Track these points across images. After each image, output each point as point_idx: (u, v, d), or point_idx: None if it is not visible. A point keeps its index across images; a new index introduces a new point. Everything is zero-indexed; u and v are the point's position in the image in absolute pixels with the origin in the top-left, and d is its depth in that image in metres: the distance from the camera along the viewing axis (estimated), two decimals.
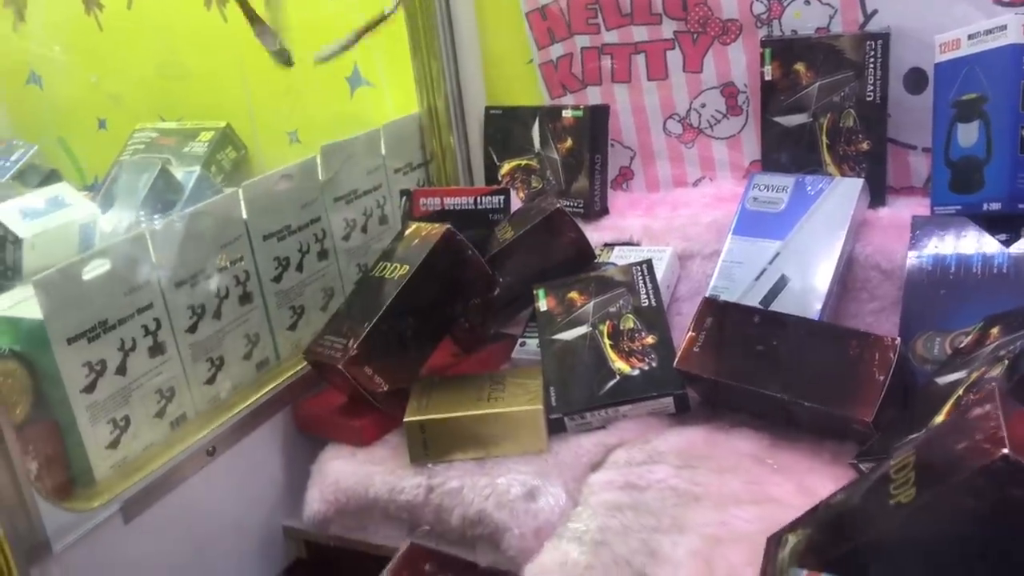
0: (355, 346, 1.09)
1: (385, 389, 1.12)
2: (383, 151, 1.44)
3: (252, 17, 1.27)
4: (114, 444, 1.02)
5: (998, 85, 1.05)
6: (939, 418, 0.85)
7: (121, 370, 1.02)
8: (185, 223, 1.12)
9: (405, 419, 1.08)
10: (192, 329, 1.12)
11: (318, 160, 1.30)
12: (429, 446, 1.08)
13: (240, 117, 1.77)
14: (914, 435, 0.85)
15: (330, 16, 1.59)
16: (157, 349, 1.07)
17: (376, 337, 1.11)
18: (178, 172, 1.57)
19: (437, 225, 1.18)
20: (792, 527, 0.80)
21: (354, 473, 1.11)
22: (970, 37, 1.08)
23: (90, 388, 0.99)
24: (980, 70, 1.07)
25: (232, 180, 1.72)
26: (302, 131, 1.72)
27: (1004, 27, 1.04)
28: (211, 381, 1.15)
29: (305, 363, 1.19)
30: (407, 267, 1.15)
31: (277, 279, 1.25)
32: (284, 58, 1.50)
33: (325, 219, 1.32)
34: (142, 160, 1.60)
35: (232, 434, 1.14)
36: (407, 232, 1.22)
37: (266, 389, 1.20)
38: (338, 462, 1.13)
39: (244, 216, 1.20)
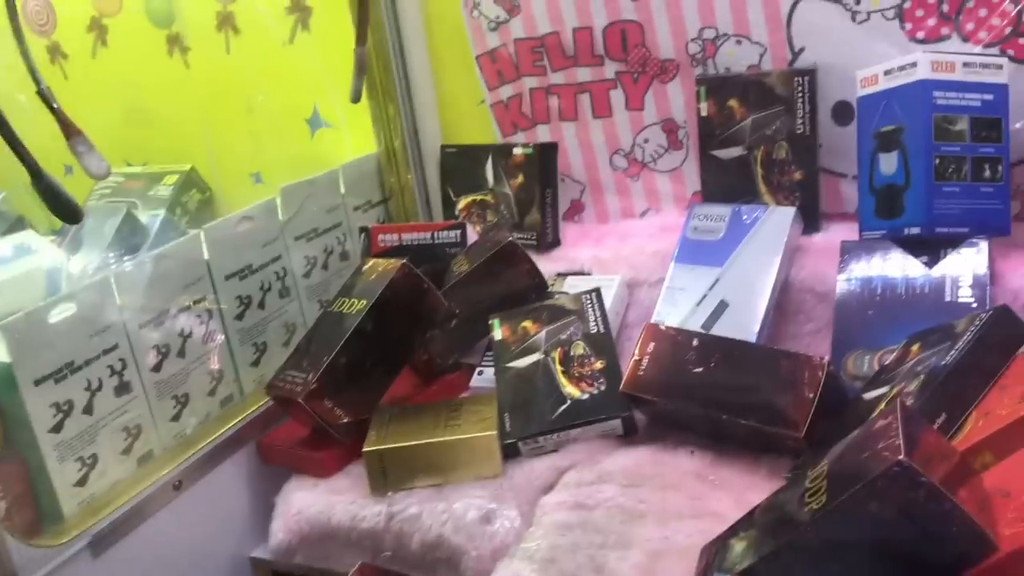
0: (314, 380, 1.13)
1: (345, 421, 1.17)
2: (342, 190, 1.50)
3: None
4: (82, 482, 1.06)
5: (913, 117, 1.12)
6: None
7: (88, 410, 1.06)
8: (149, 265, 1.17)
9: (364, 449, 1.12)
10: (157, 368, 1.16)
11: (278, 201, 1.35)
12: (388, 475, 1.13)
13: (204, 160, 1.82)
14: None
15: (289, 63, 1.64)
16: (123, 388, 1.11)
17: (335, 370, 1.15)
18: (144, 215, 1.61)
19: (393, 260, 1.23)
20: (731, 533, 0.85)
21: (317, 503, 1.15)
22: (886, 73, 1.15)
23: (57, 428, 1.02)
24: (896, 103, 1.14)
25: (198, 221, 1.76)
26: (265, 172, 1.78)
27: (915, 64, 1.11)
28: (176, 418, 1.19)
29: (268, 398, 1.23)
30: (365, 302, 1.19)
31: (240, 317, 1.29)
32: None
33: (286, 257, 1.37)
34: (108, 205, 1.64)
35: (198, 469, 1.18)
36: (365, 268, 1.27)
37: (231, 424, 1.24)
38: (301, 493, 1.17)
39: (206, 257, 1.24)
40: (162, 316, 1.17)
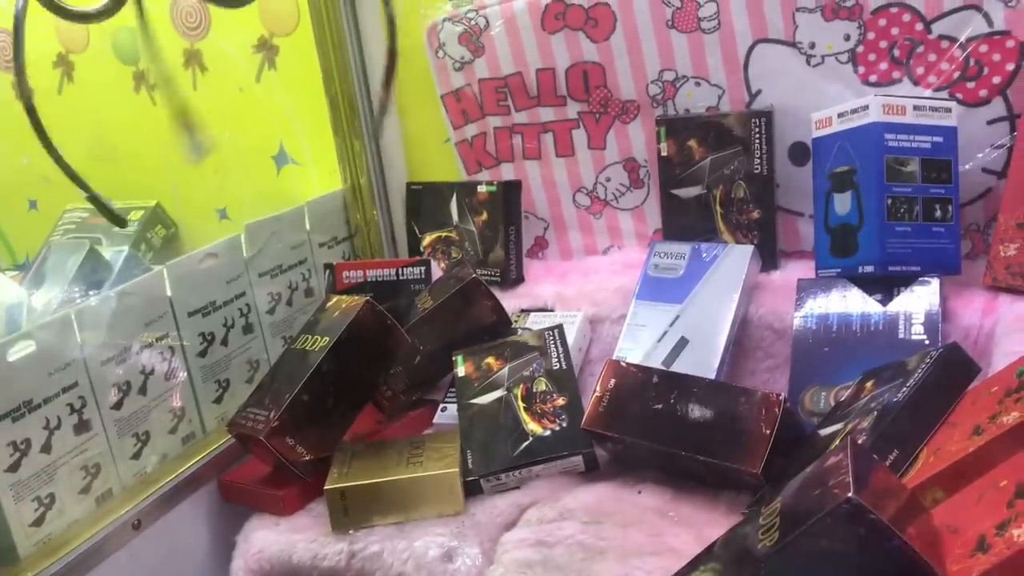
0: (276, 417, 1.13)
1: (308, 458, 1.17)
2: (308, 226, 1.50)
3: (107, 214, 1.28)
4: (38, 522, 1.04)
5: (865, 159, 1.15)
6: None
7: (46, 448, 1.05)
8: (111, 302, 1.16)
9: (326, 487, 1.12)
10: (118, 406, 1.15)
11: (242, 237, 1.36)
12: (350, 512, 1.12)
13: (170, 196, 1.82)
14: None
15: (256, 100, 1.65)
16: (83, 426, 1.10)
17: (297, 408, 1.15)
18: (108, 251, 1.61)
19: (357, 297, 1.24)
20: (691, 568, 0.86)
21: (277, 542, 1.14)
22: (840, 115, 1.18)
23: (14, 467, 1.01)
24: (849, 145, 1.17)
25: (163, 257, 1.76)
26: (231, 208, 1.78)
27: (867, 107, 1.14)
28: (137, 456, 1.18)
29: (230, 435, 1.23)
30: (327, 339, 1.20)
31: (202, 354, 1.29)
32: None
33: (250, 294, 1.37)
34: (71, 241, 1.63)
35: (158, 508, 1.16)
36: (328, 305, 1.27)
37: (192, 462, 1.23)
38: (262, 532, 1.16)
39: (169, 294, 1.24)
40: (124, 353, 1.17)
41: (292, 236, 1.46)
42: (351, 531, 1.12)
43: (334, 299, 1.27)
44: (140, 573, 1.14)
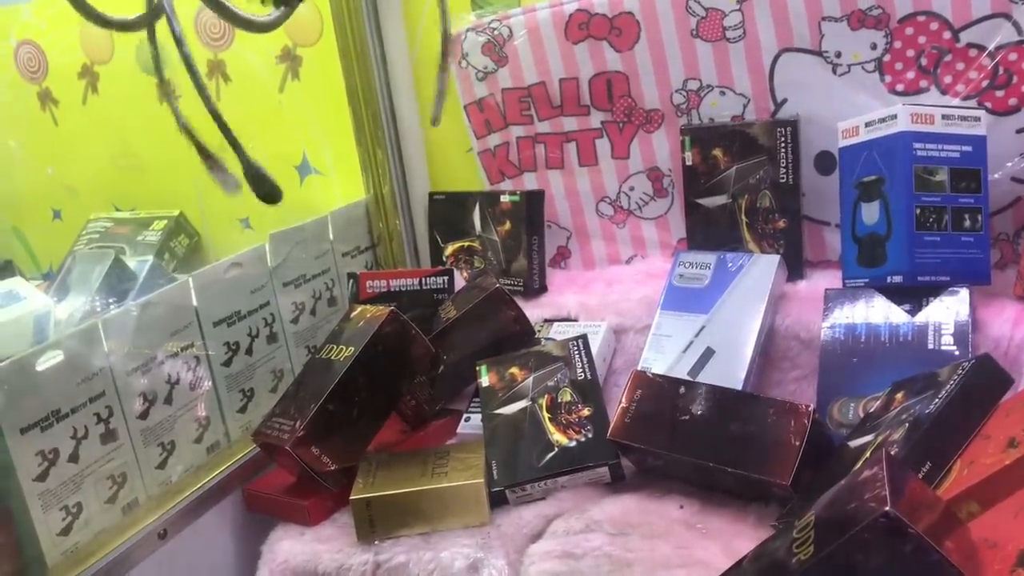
0: (302, 427, 1.13)
1: (332, 468, 1.16)
2: (331, 236, 1.50)
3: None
4: (66, 531, 1.05)
5: (893, 168, 1.14)
6: None
7: (74, 458, 1.06)
8: (137, 312, 1.17)
9: (351, 497, 1.12)
10: (144, 415, 1.16)
11: (267, 247, 1.36)
12: (375, 523, 1.12)
13: (193, 205, 1.83)
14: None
15: (279, 111, 1.66)
16: (109, 436, 1.11)
17: (322, 418, 1.15)
18: (132, 261, 1.61)
19: (381, 307, 1.24)
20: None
21: (302, 552, 1.14)
22: (867, 125, 1.17)
23: (42, 477, 1.02)
24: (877, 154, 1.16)
25: (186, 266, 1.77)
26: (253, 218, 1.78)
27: (895, 116, 1.13)
28: (162, 465, 1.19)
29: (254, 445, 1.23)
30: (352, 349, 1.20)
31: (227, 363, 1.29)
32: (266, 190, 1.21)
33: (274, 303, 1.37)
34: (96, 251, 1.64)
35: (183, 517, 1.17)
36: (353, 315, 1.27)
37: (217, 472, 1.23)
38: (287, 542, 1.16)
39: (195, 303, 1.24)
40: (149, 363, 1.17)
41: (316, 246, 1.46)
42: (376, 541, 1.12)
43: (358, 309, 1.27)
44: None
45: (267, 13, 1.26)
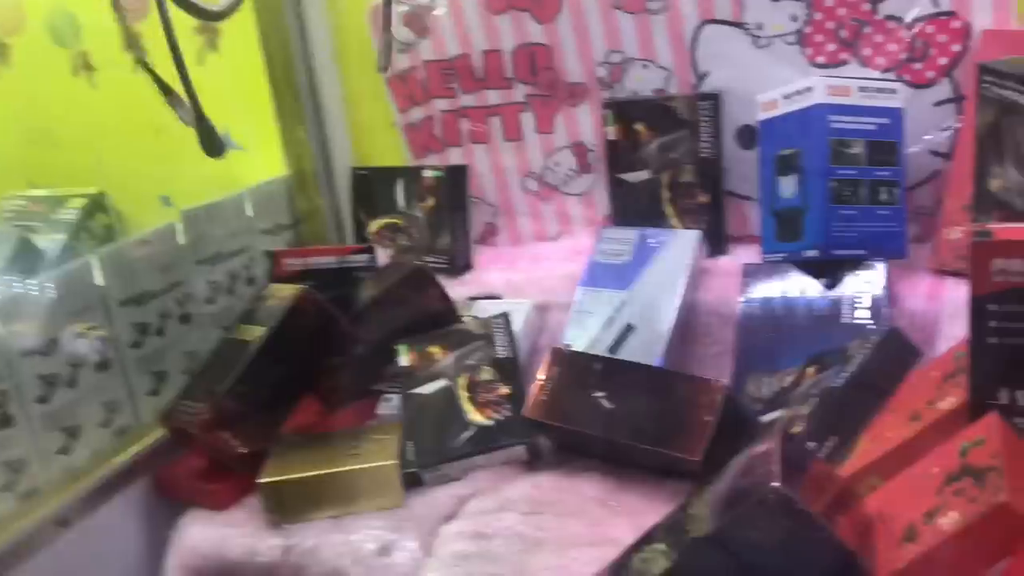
0: (210, 410, 1.10)
1: (243, 451, 1.13)
2: (249, 213, 1.46)
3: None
4: None
5: (810, 141, 1.13)
6: None
7: None
8: (37, 292, 1.12)
9: (260, 481, 1.09)
10: (44, 399, 1.11)
11: (177, 224, 1.32)
12: (286, 506, 1.09)
13: (112, 183, 1.77)
14: None
15: (198, 84, 1.60)
16: (5, 421, 1.06)
17: (232, 400, 1.12)
18: (45, 240, 1.56)
19: (294, 287, 1.21)
20: (634, 551, 0.83)
21: (212, 538, 1.11)
22: (785, 97, 1.16)
23: None
24: (795, 127, 1.15)
25: (106, 246, 1.72)
26: (175, 195, 1.73)
27: (811, 88, 1.12)
28: (65, 451, 1.14)
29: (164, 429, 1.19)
30: (264, 329, 1.16)
31: (137, 345, 1.25)
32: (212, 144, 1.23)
33: (188, 283, 1.33)
34: (4, 230, 1.58)
35: (87, 504, 1.12)
36: (266, 293, 1.24)
37: (125, 456, 1.19)
38: (196, 527, 1.13)
39: (100, 283, 1.20)
40: (51, 345, 1.13)
41: (233, 223, 1.42)
42: (286, 525, 1.09)
43: (272, 288, 1.24)
44: (67, 573, 1.10)
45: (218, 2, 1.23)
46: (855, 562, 0.65)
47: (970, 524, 0.61)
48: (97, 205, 1.73)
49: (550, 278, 1.38)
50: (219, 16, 1.18)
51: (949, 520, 0.63)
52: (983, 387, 0.72)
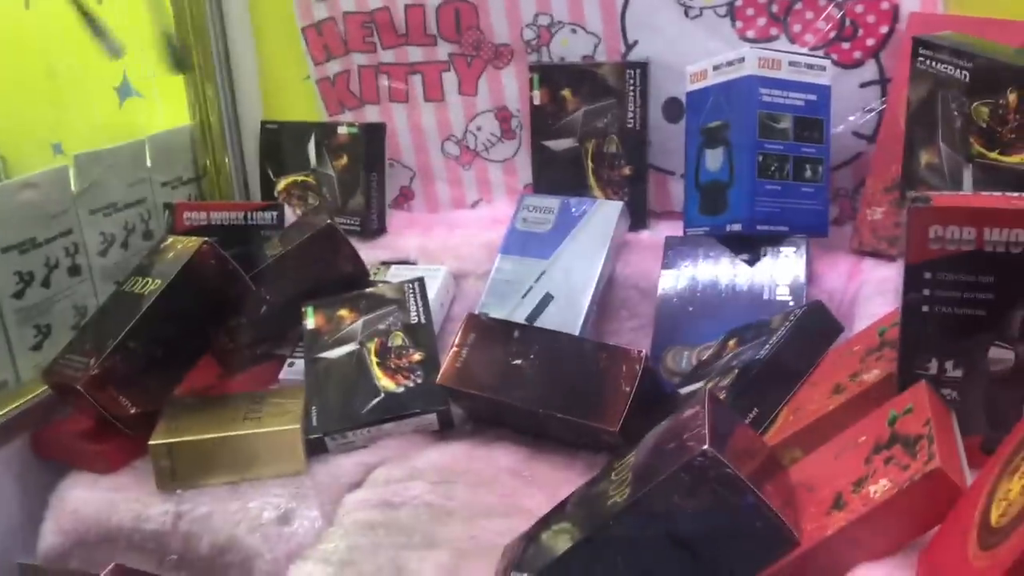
0: (97, 365, 1.02)
1: (133, 412, 1.06)
2: (148, 163, 1.37)
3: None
4: None
5: (738, 113, 1.11)
6: None
7: None
8: None
9: (150, 442, 1.02)
10: None
11: (70, 170, 1.23)
12: (177, 471, 1.03)
13: None
14: None
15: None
16: None
17: (122, 356, 1.04)
18: None
19: (194, 239, 1.13)
20: (542, 526, 0.80)
21: (95, 501, 1.04)
22: (715, 68, 1.14)
23: None
24: (724, 99, 1.13)
25: None
26: (67, 143, 1.60)
27: (743, 59, 1.10)
28: None
29: (46, 385, 1.11)
30: (160, 282, 1.09)
31: (18, 295, 1.15)
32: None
33: (78, 232, 1.24)
34: None
35: None
36: (163, 245, 1.16)
37: (1, 413, 1.10)
38: (78, 490, 1.05)
39: None
40: None
41: (130, 173, 1.33)
42: (179, 491, 1.02)
43: (170, 239, 1.16)
44: None
45: None
46: (783, 531, 0.63)
47: (902, 491, 0.60)
48: None
49: (467, 245, 1.34)
50: None
51: (879, 488, 0.61)
52: (913, 356, 0.71)
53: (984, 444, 0.69)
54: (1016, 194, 0.69)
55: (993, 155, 0.83)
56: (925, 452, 0.61)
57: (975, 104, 0.84)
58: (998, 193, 0.70)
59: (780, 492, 0.68)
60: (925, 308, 0.69)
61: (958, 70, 0.87)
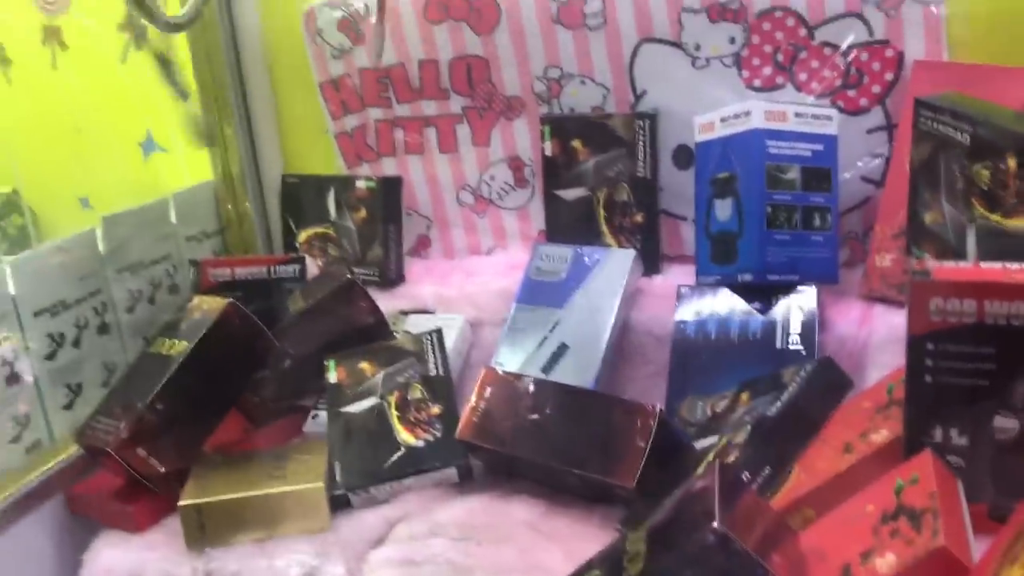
0: (127, 428, 1.06)
1: (162, 471, 1.09)
2: (174, 219, 1.41)
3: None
4: None
5: (746, 165, 1.13)
6: None
7: None
8: None
9: (180, 503, 1.05)
10: None
11: (98, 231, 1.26)
12: (206, 529, 1.05)
13: (28, 182, 1.70)
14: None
15: (122, 83, 1.55)
16: None
17: (150, 418, 1.07)
18: None
19: (219, 299, 1.16)
20: None
21: (127, 560, 1.06)
22: (722, 120, 1.16)
23: None
24: (731, 151, 1.15)
25: (19, 247, 1.64)
26: (94, 197, 1.66)
27: (749, 113, 1.12)
28: None
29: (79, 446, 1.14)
30: (186, 343, 1.12)
31: (51, 356, 1.19)
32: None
33: (107, 291, 1.28)
34: None
35: None
36: (190, 306, 1.19)
37: (36, 473, 1.13)
38: (111, 549, 1.08)
39: (12, 292, 1.14)
40: None
41: (156, 229, 1.37)
42: (207, 549, 1.05)
43: (196, 300, 1.19)
44: None
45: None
46: None
47: (907, 567, 0.61)
48: (11, 205, 1.66)
49: (483, 293, 1.36)
50: (180, 27, 1.13)
51: (886, 562, 0.63)
52: (918, 425, 0.72)
53: (991, 511, 0.70)
54: (1016, 266, 0.70)
55: (995, 217, 0.84)
56: (930, 528, 0.62)
57: (976, 167, 0.86)
58: (998, 265, 0.71)
59: (790, 561, 0.70)
60: (929, 378, 0.71)
61: (959, 132, 0.88)
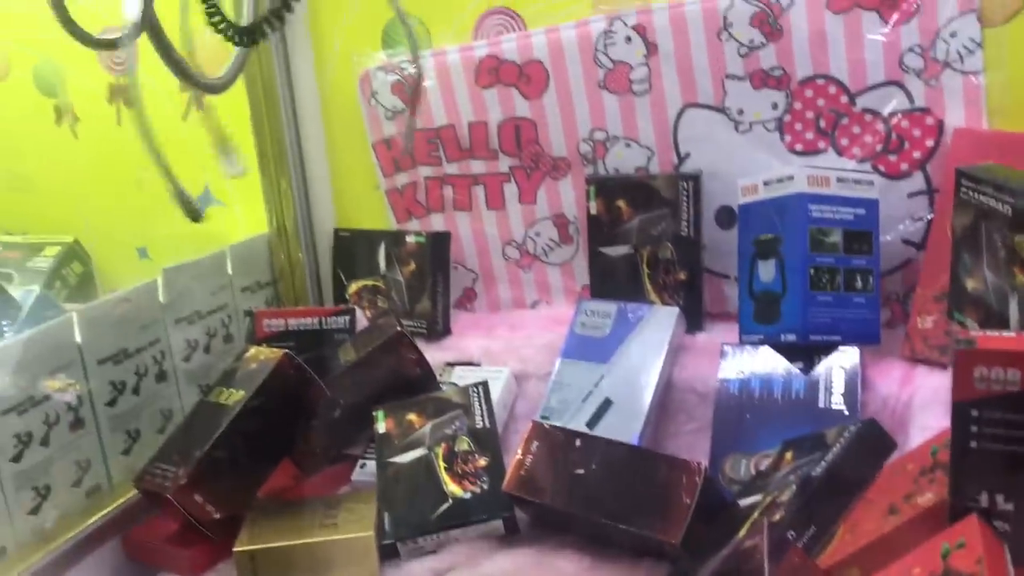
0: (185, 475, 1.09)
1: (217, 517, 1.12)
2: (229, 271, 1.46)
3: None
4: None
5: (789, 228, 1.16)
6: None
7: None
8: (15, 348, 1.11)
9: (235, 549, 1.08)
10: (17, 458, 1.10)
11: (159, 282, 1.31)
12: (260, 575, 1.08)
13: (90, 233, 1.76)
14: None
15: (181, 139, 1.61)
16: None
17: (208, 465, 1.11)
18: (18, 290, 1.54)
19: (275, 350, 1.20)
20: None
21: None
22: (765, 183, 1.19)
23: None
24: (775, 213, 1.18)
25: (79, 295, 1.71)
26: (152, 248, 1.73)
27: (792, 177, 1.16)
28: (35, 511, 1.12)
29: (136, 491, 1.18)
30: (243, 393, 1.16)
31: (112, 403, 1.24)
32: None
33: (165, 340, 1.32)
34: None
35: (56, 567, 1.10)
36: (245, 356, 1.23)
37: (95, 517, 1.17)
38: None
39: (78, 340, 1.19)
40: (26, 403, 1.11)
41: (212, 280, 1.42)
42: None
43: (252, 350, 1.23)
44: None
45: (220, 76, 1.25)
46: None
47: None
48: (72, 254, 1.72)
49: (528, 346, 1.39)
50: (218, 89, 1.19)
51: None
52: (963, 490, 0.74)
53: None
54: None
55: None
56: None
57: (1018, 238, 0.88)
58: None
59: None
60: (973, 444, 0.73)
61: (1001, 204, 0.91)
